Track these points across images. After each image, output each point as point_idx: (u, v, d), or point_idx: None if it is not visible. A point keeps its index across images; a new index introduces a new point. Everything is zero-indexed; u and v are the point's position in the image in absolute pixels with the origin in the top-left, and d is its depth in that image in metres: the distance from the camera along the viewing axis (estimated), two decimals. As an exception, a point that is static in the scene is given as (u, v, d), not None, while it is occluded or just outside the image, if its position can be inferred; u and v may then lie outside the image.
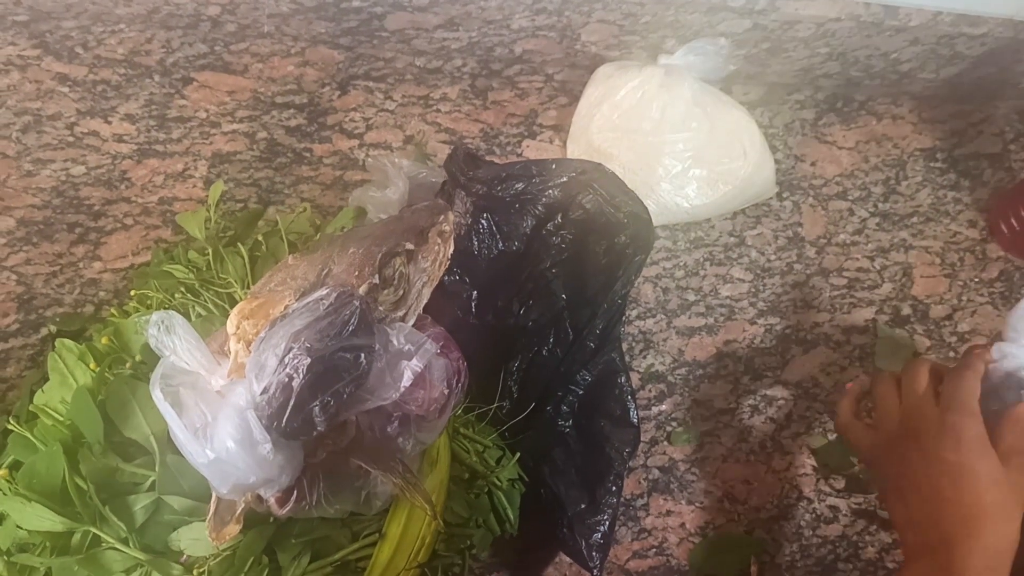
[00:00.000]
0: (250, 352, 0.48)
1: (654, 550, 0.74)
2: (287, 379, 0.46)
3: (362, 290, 0.50)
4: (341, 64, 0.84)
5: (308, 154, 0.81)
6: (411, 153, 0.83)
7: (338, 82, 0.84)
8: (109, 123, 0.78)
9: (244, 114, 0.81)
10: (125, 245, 0.75)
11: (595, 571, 0.66)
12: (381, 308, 0.52)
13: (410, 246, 0.54)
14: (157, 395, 0.46)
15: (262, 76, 0.82)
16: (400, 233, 0.55)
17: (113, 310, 0.63)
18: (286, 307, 0.50)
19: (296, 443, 0.49)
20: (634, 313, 0.81)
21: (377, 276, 0.51)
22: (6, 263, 0.72)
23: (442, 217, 0.57)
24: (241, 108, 0.81)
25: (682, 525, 0.75)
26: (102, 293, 0.73)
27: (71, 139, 0.77)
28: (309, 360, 0.46)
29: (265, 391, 0.47)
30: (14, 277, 0.72)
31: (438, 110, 0.85)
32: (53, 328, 0.68)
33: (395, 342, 0.50)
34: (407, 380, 0.49)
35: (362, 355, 0.48)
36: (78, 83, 0.78)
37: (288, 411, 0.46)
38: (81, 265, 0.73)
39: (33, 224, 0.74)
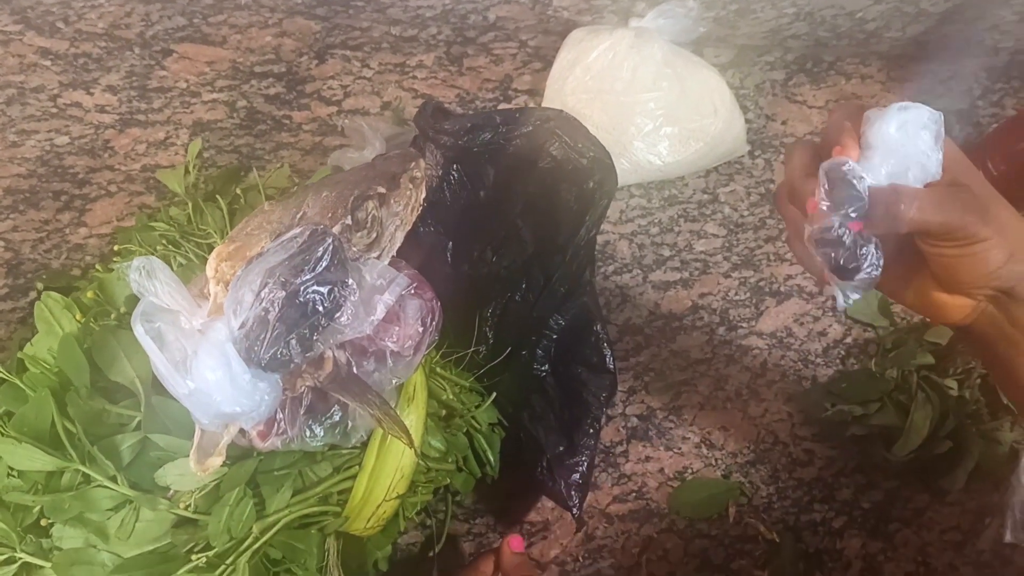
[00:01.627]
0: (228, 292, 0.50)
1: (634, 494, 0.75)
2: (263, 313, 0.48)
3: (335, 230, 0.52)
4: (318, 34, 0.86)
5: (287, 121, 0.83)
6: (388, 118, 0.85)
7: (315, 51, 0.86)
8: (91, 94, 0.80)
9: (224, 84, 0.83)
10: (110, 211, 0.76)
11: (574, 510, 0.68)
12: (355, 250, 0.54)
13: (382, 190, 0.56)
14: (138, 330, 0.48)
15: (240, 47, 0.84)
16: (372, 178, 0.56)
17: (98, 266, 0.64)
18: (262, 248, 0.52)
19: (275, 376, 0.50)
20: (611, 268, 0.83)
21: (350, 217, 0.53)
22: (-6, 231, 0.74)
23: (413, 164, 0.58)
24: (220, 78, 0.83)
25: (661, 470, 0.77)
26: (88, 258, 0.75)
27: (54, 110, 0.79)
28: (284, 294, 0.48)
29: (243, 325, 0.49)
30: (2, 243, 0.73)
31: (414, 77, 0.87)
32: (40, 287, 0.69)
33: (368, 278, 0.52)
34: (380, 313, 0.51)
35: (336, 288, 0.50)
36: (60, 56, 0.80)
37: (265, 343, 0.48)
38: (67, 231, 0.75)
39: (19, 192, 0.75)
